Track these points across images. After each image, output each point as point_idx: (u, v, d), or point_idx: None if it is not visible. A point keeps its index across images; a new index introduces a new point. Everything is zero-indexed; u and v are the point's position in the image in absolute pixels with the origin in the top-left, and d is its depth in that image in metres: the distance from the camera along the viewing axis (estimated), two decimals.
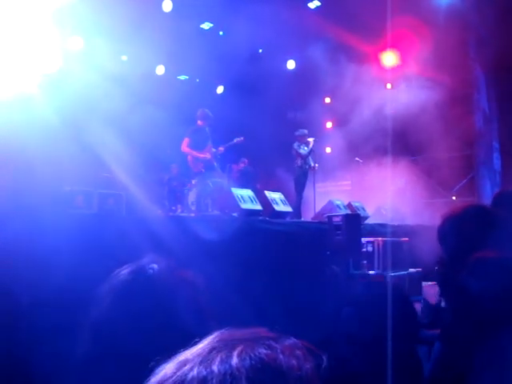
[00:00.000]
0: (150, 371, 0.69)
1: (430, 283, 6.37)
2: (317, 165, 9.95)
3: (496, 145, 10.85)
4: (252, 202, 6.88)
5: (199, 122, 8.58)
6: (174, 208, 8.44)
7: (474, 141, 10.78)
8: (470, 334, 1.43)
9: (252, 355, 0.63)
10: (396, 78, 10.67)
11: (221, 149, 8.74)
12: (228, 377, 0.60)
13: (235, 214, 6.61)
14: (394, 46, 10.80)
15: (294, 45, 11.48)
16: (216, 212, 7.59)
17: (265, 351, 0.64)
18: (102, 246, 3.97)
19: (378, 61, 11.12)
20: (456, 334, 1.54)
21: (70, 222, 4.14)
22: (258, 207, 6.96)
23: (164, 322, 1.16)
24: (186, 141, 8.38)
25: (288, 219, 7.54)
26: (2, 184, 4.10)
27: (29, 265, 3.41)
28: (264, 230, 5.81)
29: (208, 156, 8.43)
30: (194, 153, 8.37)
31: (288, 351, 0.65)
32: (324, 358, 0.68)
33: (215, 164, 8.63)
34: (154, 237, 4.31)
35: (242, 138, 8.98)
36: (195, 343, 0.69)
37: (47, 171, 4.66)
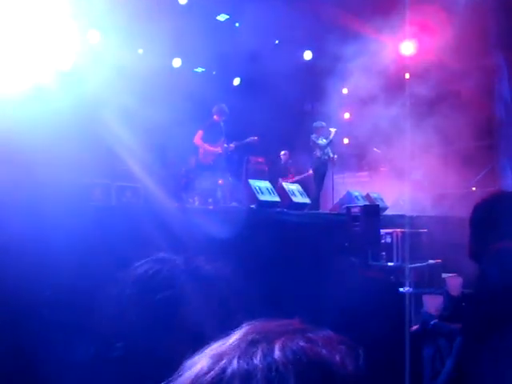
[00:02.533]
0: (173, 363, 0.66)
1: (451, 275, 6.31)
2: (336, 156, 9.90)
3: None
4: (270, 193, 6.87)
5: (215, 117, 8.78)
6: (191, 200, 8.46)
7: (495, 130, 10.60)
8: (488, 328, 1.38)
9: (294, 348, 0.60)
10: (415, 67, 10.51)
11: (232, 145, 8.95)
12: (273, 372, 0.57)
13: (253, 206, 6.60)
14: (413, 34, 10.64)
15: (310, 35, 11.39)
16: (234, 204, 7.60)
17: (306, 345, 0.61)
18: (120, 238, 3.99)
19: (396, 50, 10.97)
20: (476, 328, 1.49)
21: (88, 214, 4.17)
22: (276, 199, 6.94)
23: (187, 315, 1.14)
24: (199, 133, 8.63)
25: (306, 211, 7.51)
26: (19, 177, 4.14)
27: (47, 257, 3.44)
28: (282, 222, 5.80)
29: (219, 150, 8.67)
30: (206, 146, 8.62)
31: (329, 345, 0.62)
32: (360, 351, 0.64)
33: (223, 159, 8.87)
34: (172, 229, 4.32)
35: (255, 138, 9.20)
36: (222, 336, 0.66)
37: (65, 164, 4.70)
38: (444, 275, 6.82)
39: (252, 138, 9.09)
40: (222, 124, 8.79)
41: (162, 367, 0.72)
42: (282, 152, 11.32)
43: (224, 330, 0.68)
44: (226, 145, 8.77)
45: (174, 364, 0.66)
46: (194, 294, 1.18)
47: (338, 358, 0.61)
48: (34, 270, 3.33)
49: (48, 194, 4.10)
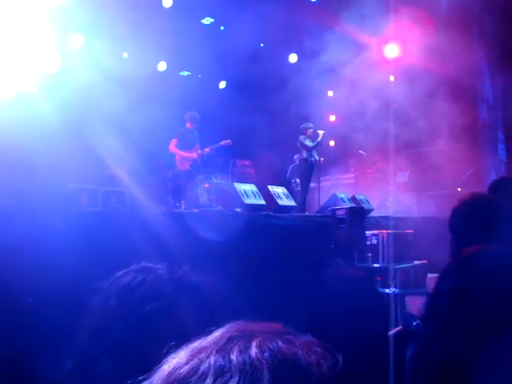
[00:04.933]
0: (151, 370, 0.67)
1: (435, 275, 6.36)
2: (322, 158, 9.93)
3: (501, 135, 10.79)
4: (255, 196, 6.88)
5: (188, 125, 9.06)
6: (178, 204, 8.46)
7: (479, 131, 10.72)
8: (446, 334, 1.40)
9: (271, 347, 0.61)
10: (399, 69, 10.60)
11: (207, 150, 9.15)
12: (248, 367, 0.58)
13: (239, 210, 6.61)
14: (396, 37, 10.73)
15: (295, 38, 11.43)
16: (219, 208, 7.61)
17: (284, 345, 0.62)
18: (107, 244, 3.99)
19: (380, 52, 11.05)
20: (432, 333, 1.52)
21: (75, 219, 4.15)
22: (262, 202, 6.95)
23: (169, 324, 1.14)
24: (173, 141, 8.93)
25: (292, 213, 7.53)
26: (5, 183, 4.12)
27: (33, 263, 3.42)
28: (268, 225, 5.81)
29: (195, 156, 8.96)
30: (182, 153, 8.92)
31: (306, 347, 0.64)
32: (340, 357, 0.65)
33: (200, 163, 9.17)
34: (159, 234, 4.32)
35: (229, 141, 9.38)
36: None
37: (51, 170, 4.67)
38: (429, 275, 6.89)
39: (225, 141, 9.26)
40: (195, 131, 9.07)
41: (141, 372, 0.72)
42: (296, 156, 11.27)
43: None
44: (200, 150, 9.03)
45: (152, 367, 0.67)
46: (180, 303, 1.18)
47: (313, 358, 0.62)
48: (15, 275, 3.31)
49: (33, 200, 4.08)
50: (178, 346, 0.68)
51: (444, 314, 1.42)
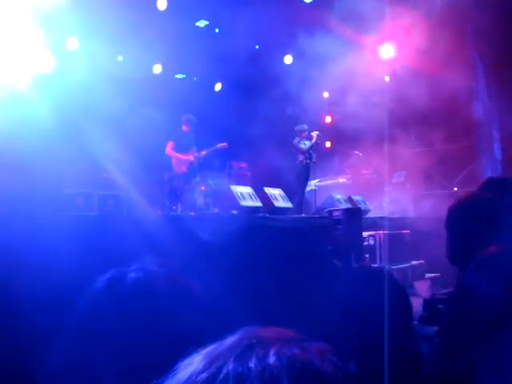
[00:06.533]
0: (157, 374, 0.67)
1: (432, 275, 6.38)
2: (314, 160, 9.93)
3: (496, 134, 10.80)
4: (252, 198, 6.88)
5: (184, 128, 9.08)
6: (174, 207, 8.45)
7: (474, 131, 10.74)
8: (470, 335, 1.39)
9: (289, 355, 0.61)
10: (394, 70, 10.62)
11: (203, 152, 9.18)
12: (266, 375, 0.59)
13: (235, 212, 6.60)
14: (391, 37, 10.74)
15: (290, 39, 11.42)
16: (216, 210, 7.60)
17: (301, 352, 0.63)
18: (103, 248, 3.97)
19: (375, 53, 11.06)
20: (456, 334, 1.50)
21: (71, 224, 4.13)
22: (258, 204, 6.95)
23: (163, 325, 1.13)
24: (170, 144, 8.93)
25: (289, 215, 7.52)
26: (0, 186, 4.09)
27: (29, 267, 3.40)
28: (264, 227, 5.80)
29: (191, 158, 9.00)
30: (178, 155, 8.94)
31: (322, 355, 0.64)
32: (352, 365, 0.66)
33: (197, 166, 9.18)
34: (155, 237, 4.30)
35: (225, 144, 9.38)
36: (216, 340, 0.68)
37: (46, 173, 4.65)
38: (427, 275, 6.89)
39: (221, 144, 9.27)
40: (191, 134, 9.09)
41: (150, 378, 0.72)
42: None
43: (208, 338, 0.69)
44: (196, 153, 9.06)
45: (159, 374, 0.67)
46: (175, 304, 1.16)
47: (329, 366, 0.63)
48: (12, 280, 3.30)
49: (28, 204, 4.06)
50: (189, 352, 0.68)
51: (469, 315, 1.41)
